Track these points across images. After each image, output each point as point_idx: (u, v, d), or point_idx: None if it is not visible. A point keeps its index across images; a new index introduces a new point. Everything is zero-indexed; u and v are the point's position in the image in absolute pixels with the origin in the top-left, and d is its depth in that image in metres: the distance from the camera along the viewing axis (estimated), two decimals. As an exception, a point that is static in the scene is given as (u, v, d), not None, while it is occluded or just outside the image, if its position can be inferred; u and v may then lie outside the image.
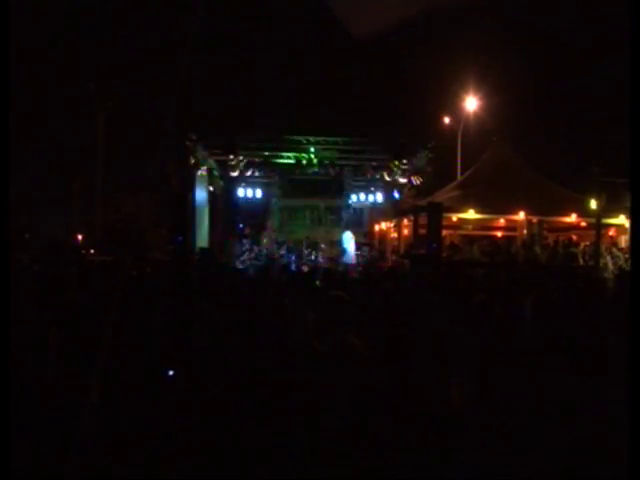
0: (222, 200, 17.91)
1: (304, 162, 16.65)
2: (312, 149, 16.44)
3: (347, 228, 17.67)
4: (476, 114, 27.33)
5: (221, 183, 17.71)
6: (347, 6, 2.72)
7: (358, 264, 15.45)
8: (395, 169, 16.36)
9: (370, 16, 2.71)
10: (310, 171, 17.00)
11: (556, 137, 29.78)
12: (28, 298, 4.72)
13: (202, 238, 16.37)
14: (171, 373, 3.21)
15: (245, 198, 17.63)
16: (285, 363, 3.04)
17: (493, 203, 16.20)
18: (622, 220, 16.19)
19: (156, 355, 3.40)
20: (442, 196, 16.89)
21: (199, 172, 16.32)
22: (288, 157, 16.74)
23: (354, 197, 18.03)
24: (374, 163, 16.81)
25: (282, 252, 16.43)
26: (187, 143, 15.56)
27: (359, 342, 3.01)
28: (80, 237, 27.89)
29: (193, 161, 16.00)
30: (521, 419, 2.64)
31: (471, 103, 27.22)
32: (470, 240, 17.12)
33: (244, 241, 16.48)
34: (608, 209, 15.53)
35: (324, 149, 16.45)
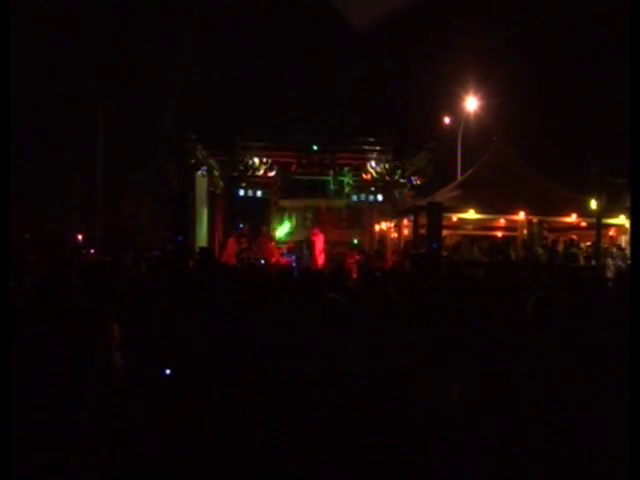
0: (222, 200, 17.92)
1: (304, 162, 16.65)
2: (312, 149, 16.44)
3: (348, 228, 17.69)
4: (476, 114, 27.34)
5: (221, 183, 17.72)
6: (351, 4, 2.72)
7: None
8: (395, 169, 16.35)
9: (370, 7, 2.71)
10: (310, 171, 16.99)
11: (557, 137, 29.80)
12: (29, 298, 4.71)
13: (202, 238, 16.39)
14: (168, 372, 3.21)
15: (245, 198, 17.62)
16: (285, 362, 3.04)
17: (493, 203, 16.19)
18: (622, 220, 16.17)
19: (155, 352, 3.40)
20: (442, 196, 16.89)
21: (199, 172, 16.33)
22: (288, 157, 16.74)
23: (354, 197, 18.02)
24: (374, 163, 16.80)
25: (282, 252, 16.44)
26: (187, 143, 15.57)
27: (355, 346, 3.01)
28: (80, 237, 27.89)
29: (193, 161, 16.00)
30: (522, 419, 2.64)
31: (471, 103, 27.22)
32: (470, 240, 17.11)
33: (242, 240, 16.48)
34: (608, 209, 15.52)
35: (324, 149, 16.46)
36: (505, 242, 17.14)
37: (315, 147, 16.30)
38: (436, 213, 14.31)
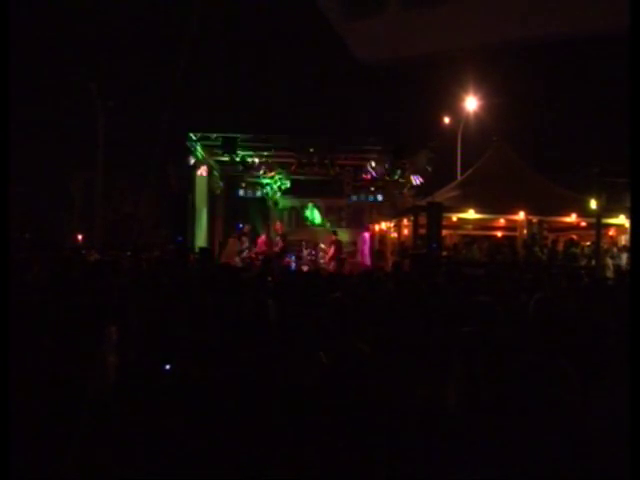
0: (222, 200, 17.94)
1: (304, 162, 16.65)
2: (312, 149, 16.43)
3: (348, 228, 17.71)
4: (476, 114, 27.33)
5: (221, 183, 17.73)
6: (359, 38, 2.71)
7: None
8: (395, 169, 16.35)
9: (381, 50, 2.70)
10: (310, 171, 16.99)
11: (556, 137, 29.81)
12: (28, 298, 4.72)
13: (202, 238, 16.40)
14: (168, 367, 3.21)
15: (245, 198, 17.64)
16: (288, 362, 3.04)
17: (493, 203, 16.19)
18: (622, 220, 16.17)
19: (155, 351, 3.40)
20: (442, 196, 16.89)
21: (199, 172, 16.34)
22: (288, 157, 16.73)
23: (354, 197, 18.03)
24: (374, 163, 16.80)
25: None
26: (187, 143, 15.58)
27: (364, 345, 3.00)
28: (80, 237, 27.91)
29: (193, 161, 16.01)
30: (522, 420, 2.64)
31: (471, 103, 27.22)
32: (470, 240, 17.11)
33: (243, 238, 16.50)
34: (608, 209, 15.52)
35: (324, 149, 16.45)
36: (505, 242, 17.16)
37: (312, 155, 16.34)
38: (436, 213, 14.31)
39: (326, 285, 5.88)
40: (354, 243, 17.81)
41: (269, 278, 7.25)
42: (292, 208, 18.63)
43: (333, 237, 16.67)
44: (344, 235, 17.57)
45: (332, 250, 16.42)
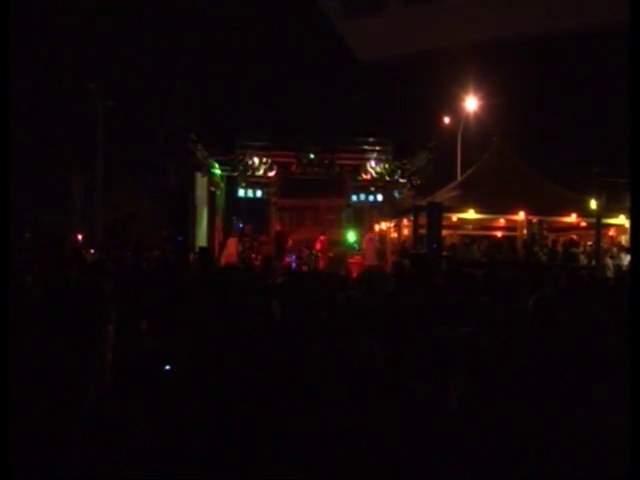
0: (222, 200, 17.94)
1: (304, 162, 16.66)
2: (312, 149, 16.45)
3: (348, 228, 17.68)
4: (476, 114, 27.32)
5: (221, 183, 17.73)
6: (358, 36, 2.71)
7: None
8: (395, 169, 16.36)
9: (382, 48, 2.70)
10: (310, 171, 17.00)
11: (556, 137, 29.81)
12: (28, 298, 4.71)
13: (202, 238, 16.40)
14: (167, 368, 3.21)
15: (245, 198, 17.64)
16: (292, 361, 3.04)
17: (493, 203, 16.19)
18: (622, 220, 16.17)
19: (155, 351, 3.40)
20: (442, 196, 16.89)
21: (199, 172, 16.36)
22: (288, 157, 16.75)
23: (354, 197, 18.03)
24: (374, 163, 16.80)
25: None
26: (187, 143, 15.60)
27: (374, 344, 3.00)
28: (80, 237, 27.89)
29: (193, 161, 16.03)
30: (522, 420, 2.64)
31: (471, 103, 27.21)
32: (470, 240, 17.11)
33: (244, 239, 16.51)
34: (608, 209, 15.52)
35: (324, 149, 16.47)
36: (505, 242, 17.16)
37: (312, 155, 16.34)
38: (436, 213, 14.32)
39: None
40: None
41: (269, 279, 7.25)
42: (292, 208, 18.63)
43: (323, 237, 16.69)
44: (353, 235, 17.53)
45: (319, 247, 16.42)
